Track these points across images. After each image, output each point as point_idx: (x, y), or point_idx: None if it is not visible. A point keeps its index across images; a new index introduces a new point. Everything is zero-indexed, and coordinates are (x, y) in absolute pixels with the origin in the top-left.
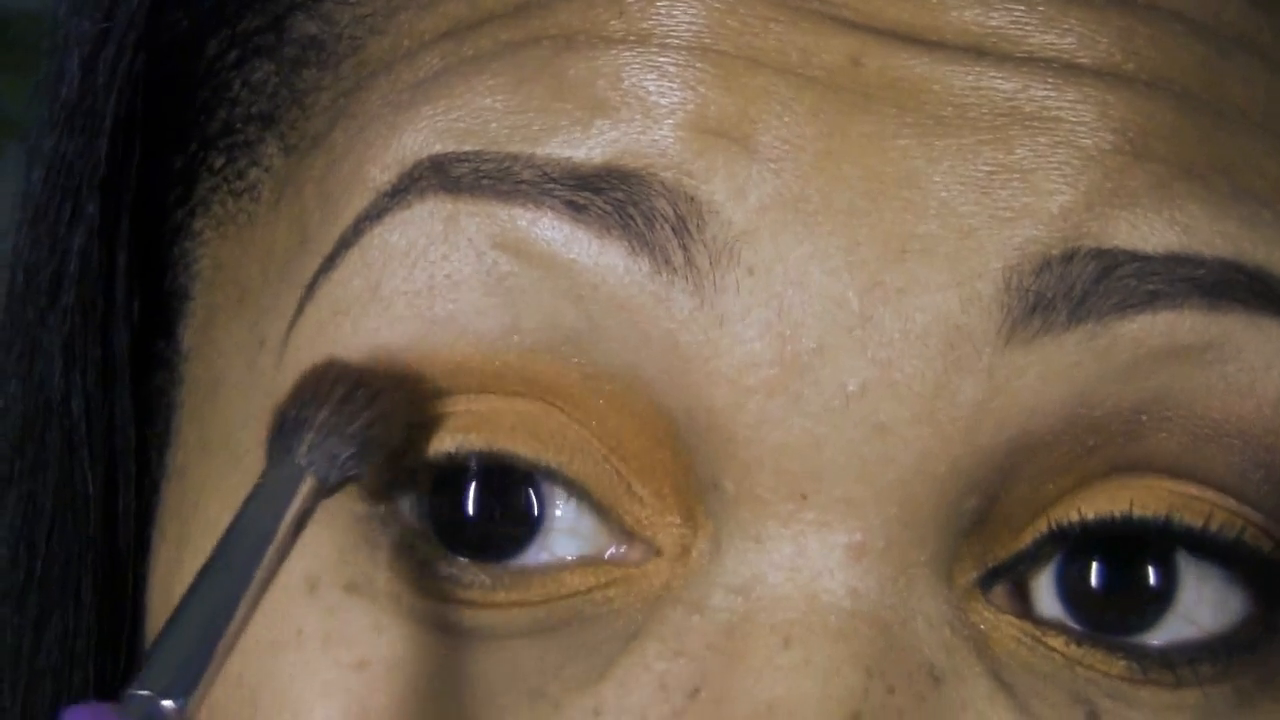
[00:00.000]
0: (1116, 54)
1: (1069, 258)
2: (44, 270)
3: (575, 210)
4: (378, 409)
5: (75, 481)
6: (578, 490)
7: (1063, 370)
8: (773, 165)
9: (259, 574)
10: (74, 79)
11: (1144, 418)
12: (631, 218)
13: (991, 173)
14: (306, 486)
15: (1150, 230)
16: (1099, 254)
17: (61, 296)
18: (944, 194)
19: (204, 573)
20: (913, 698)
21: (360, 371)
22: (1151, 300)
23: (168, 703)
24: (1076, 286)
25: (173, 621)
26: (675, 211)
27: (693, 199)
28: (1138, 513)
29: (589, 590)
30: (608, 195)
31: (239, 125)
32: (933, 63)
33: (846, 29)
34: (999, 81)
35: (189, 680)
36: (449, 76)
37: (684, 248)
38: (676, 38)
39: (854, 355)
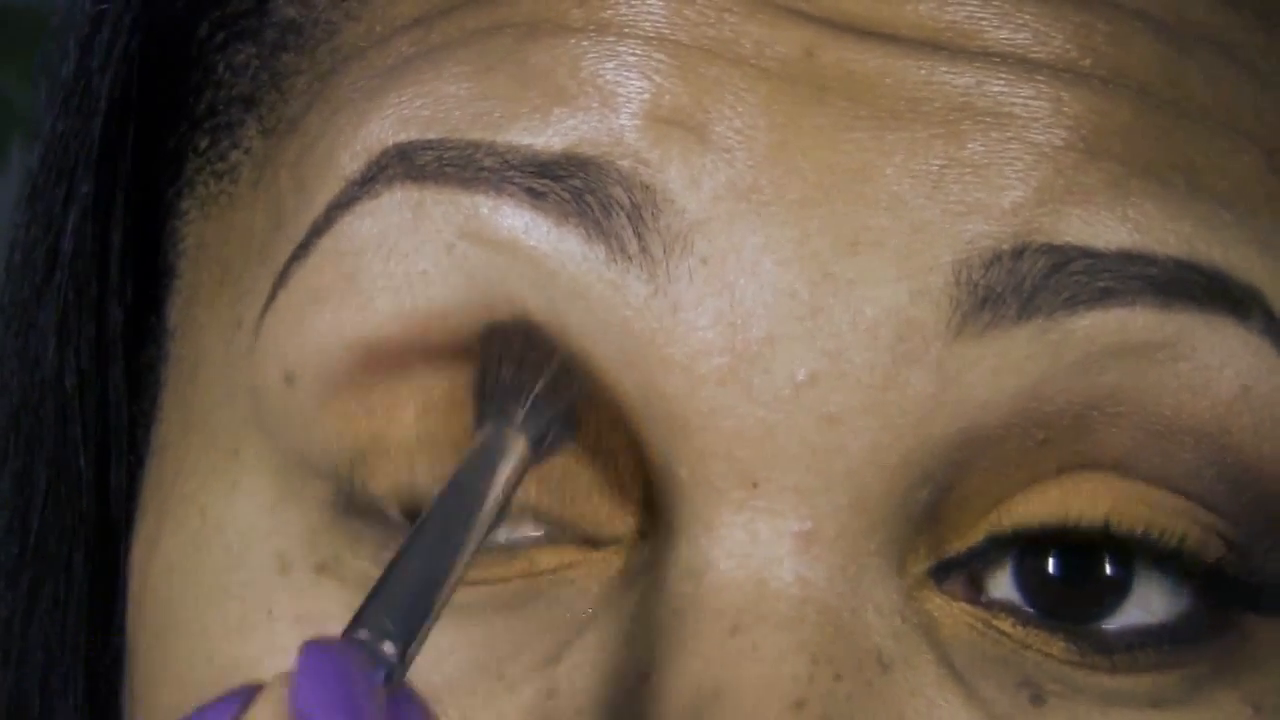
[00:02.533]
0: (1072, 50)
1: (1019, 253)
2: (39, 248)
3: (534, 197)
4: (571, 380)
5: (69, 457)
6: (539, 489)
7: (1014, 364)
8: (726, 155)
9: (474, 534)
10: (71, 60)
11: (1095, 413)
12: (589, 205)
13: (944, 167)
14: (521, 449)
15: (1103, 227)
16: (1050, 249)
17: (56, 274)
18: (895, 188)
19: (420, 529)
20: (860, 684)
21: (546, 341)
22: (1103, 297)
23: (389, 647)
24: (1026, 281)
25: (392, 573)
26: (631, 200)
27: (648, 187)
28: (1082, 522)
29: (553, 570)
30: (566, 183)
31: (222, 107)
32: (886, 56)
33: (801, 21)
34: (952, 76)
35: (409, 629)
36: (417, 63)
37: (639, 235)
38: (635, 28)
39: (804, 345)
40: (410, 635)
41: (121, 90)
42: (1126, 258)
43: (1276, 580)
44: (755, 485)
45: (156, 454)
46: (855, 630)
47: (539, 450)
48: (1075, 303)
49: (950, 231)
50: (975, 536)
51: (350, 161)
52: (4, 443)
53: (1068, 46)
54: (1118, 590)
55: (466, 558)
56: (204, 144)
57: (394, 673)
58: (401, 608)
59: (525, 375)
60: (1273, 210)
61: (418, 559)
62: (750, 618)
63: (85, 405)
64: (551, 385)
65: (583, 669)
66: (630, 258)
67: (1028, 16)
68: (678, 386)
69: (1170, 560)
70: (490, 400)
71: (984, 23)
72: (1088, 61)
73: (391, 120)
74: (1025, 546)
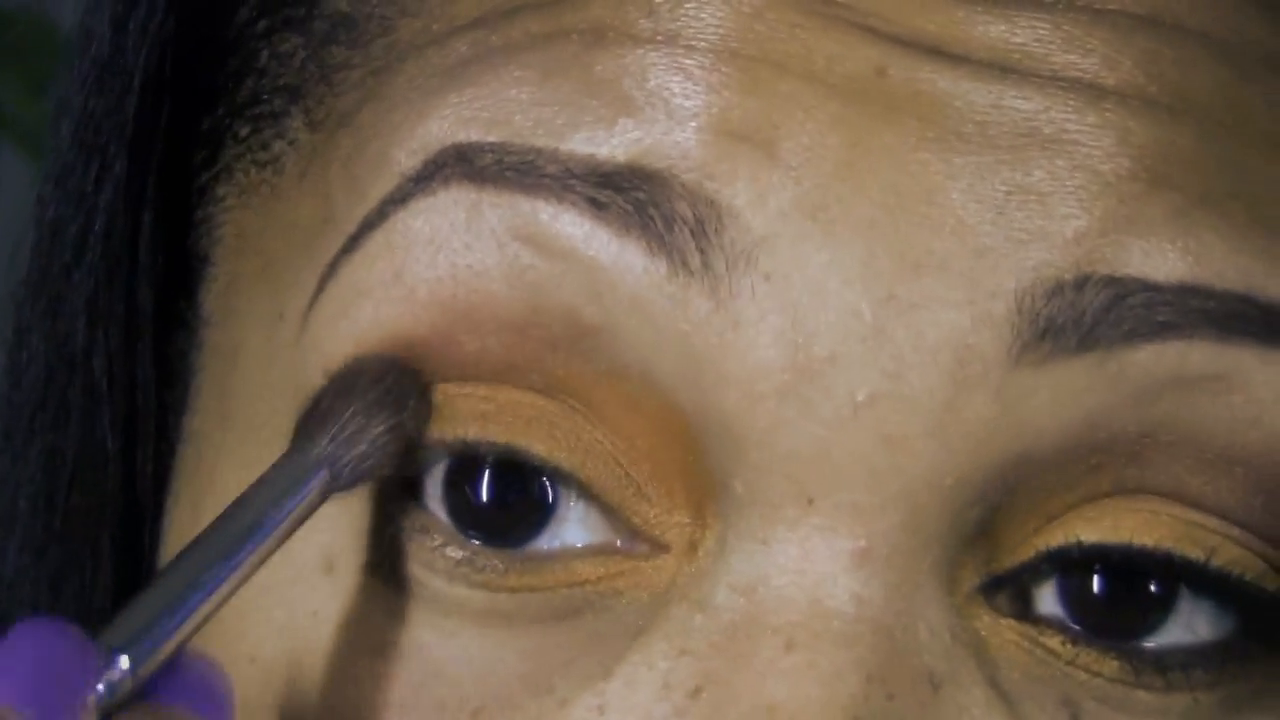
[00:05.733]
0: (1140, 76)
1: (1081, 284)
2: (70, 227)
3: (597, 208)
4: (405, 415)
5: (96, 438)
6: (586, 492)
7: (1071, 394)
8: (794, 172)
9: (251, 558)
10: (104, 37)
11: (1149, 440)
12: (651, 219)
13: (1009, 193)
14: (319, 481)
15: (1163, 259)
16: (1111, 281)
17: (87, 253)
18: (961, 212)
19: (197, 542)
20: (913, 704)
21: (396, 372)
22: (1162, 330)
23: (123, 659)
24: (1087, 314)
25: (153, 583)
26: (695, 214)
27: (712, 203)
28: (1137, 542)
29: (598, 580)
30: (629, 195)
31: (265, 96)
32: (956, 78)
33: (873, 38)
34: (1020, 101)
35: (148, 643)
36: (477, 65)
37: (701, 251)
38: (703, 40)
39: (865, 366)
40: (144, 654)
41: (156, 69)
42: (1186, 291)
43: None
44: (811, 502)
45: (190, 442)
46: (908, 649)
47: (339, 485)
48: (1134, 335)
49: (1013, 258)
50: (1026, 553)
51: (407, 159)
52: (32, 421)
53: (1135, 72)
54: (1161, 609)
55: (235, 581)
56: (245, 131)
57: (117, 686)
58: (144, 624)
59: (344, 406)
60: None
61: (178, 574)
62: (806, 634)
63: (114, 386)
64: (365, 418)
65: (634, 684)
66: (692, 273)
67: (1096, 42)
68: (736, 402)
69: (1219, 583)
70: (304, 424)
71: (1053, 46)
72: (1154, 88)
73: (451, 120)
74: (1071, 564)
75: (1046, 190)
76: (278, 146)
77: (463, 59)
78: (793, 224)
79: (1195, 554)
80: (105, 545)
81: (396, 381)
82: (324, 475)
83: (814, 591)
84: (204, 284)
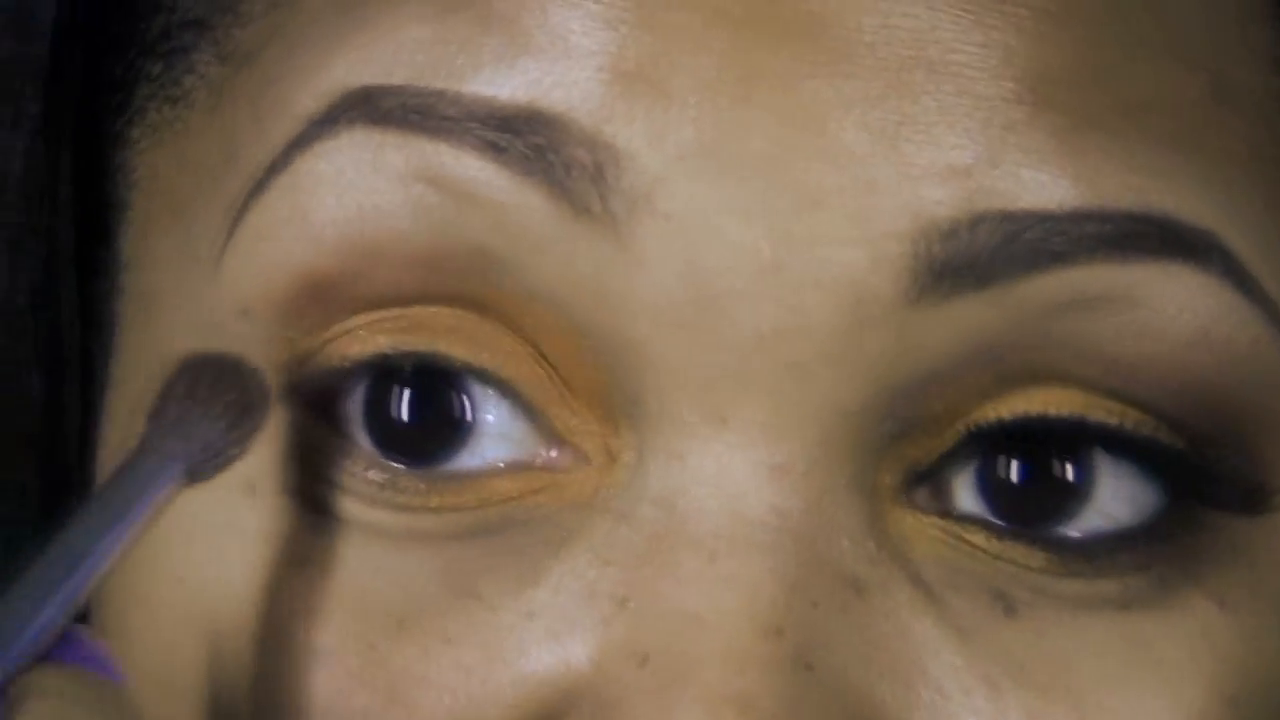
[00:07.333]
0: None
1: (975, 224)
2: None
3: (496, 150)
4: (249, 401)
5: (19, 375)
6: (510, 392)
7: (971, 327)
8: (689, 111)
9: (106, 560)
10: None
11: (1055, 353)
12: (550, 164)
13: (899, 123)
14: (168, 475)
15: (1055, 187)
16: (1005, 217)
17: (6, 194)
18: (853, 144)
19: (56, 542)
20: (836, 609)
21: (238, 365)
22: (1058, 259)
23: None
24: (983, 254)
25: (18, 583)
26: (593, 159)
27: (609, 146)
28: (1052, 411)
29: (520, 496)
30: (527, 139)
31: (175, 31)
32: None
33: None
34: (908, 20)
35: (14, 645)
36: (377, 3)
37: (601, 196)
38: None
39: (765, 300)
40: (14, 651)
41: (69, 13)
42: (1080, 217)
43: (1237, 476)
44: (724, 421)
45: (116, 387)
46: (830, 557)
47: (195, 473)
48: (1031, 267)
49: (906, 195)
50: (946, 442)
51: (311, 102)
52: None
53: None
54: (1079, 496)
55: (94, 582)
56: (156, 70)
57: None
58: (18, 620)
59: (194, 402)
60: (1220, 141)
61: (42, 573)
62: (727, 545)
63: (37, 325)
64: (208, 409)
65: (561, 592)
66: (594, 216)
67: None
68: (644, 332)
69: (1139, 454)
70: (153, 421)
71: None
72: None
73: (353, 62)
74: (987, 453)
75: (934, 120)
76: (188, 81)
77: None
78: (689, 164)
79: (1107, 418)
80: (32, 483)
81: (238, 367)
82: (175, 471)
83: (733, 504)
84: (121, 228)
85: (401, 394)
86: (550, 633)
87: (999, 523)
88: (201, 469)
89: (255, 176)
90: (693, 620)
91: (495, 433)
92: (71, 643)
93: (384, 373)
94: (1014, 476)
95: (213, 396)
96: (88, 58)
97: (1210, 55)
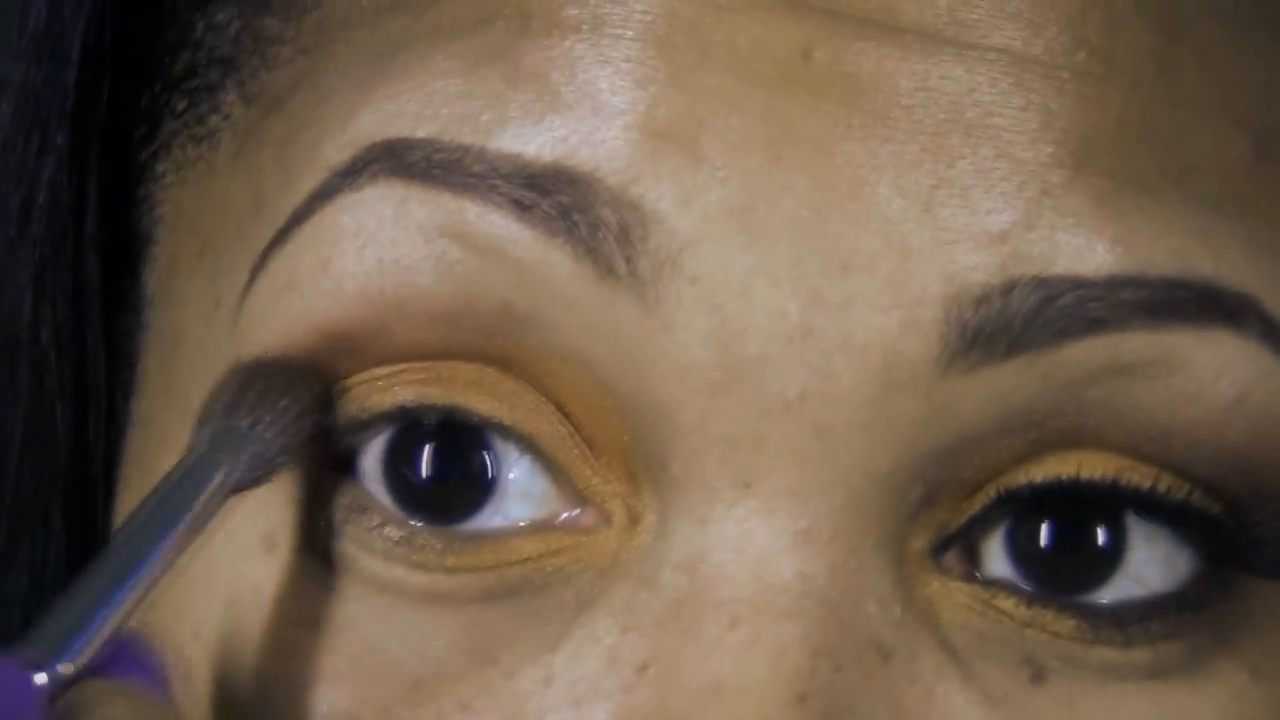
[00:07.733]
0: (1066, 41)
1: (1009, 289)
2: (12, 200)
3: (522, 209)
4: (300, 411)
5: (45, 411)
6: (532, 448)
7: (1001, 394)
8: (719, 171)
9: (159, 563)
10: (41, 10)
11: (1090, 419)
12: (576, 224)
13: (934, 187)
14: (216, 483)
15: (1091, 252)
16: (1039, 283)
17: (31, 226)
18: (886, 208)
19: (108, 551)
20: (861, 675)
21: (290, 372)
22: (1093, 326)
23: (40, 677)
24: (1016, 320)
25: (71, 590)
26: (619, 220)
27: (637, 207)
28: (1085, 475)
29: (540, 557)
30: (553, 198)
31: (201, 68)
32: (881, 58)
33: (801, 16)
34: (946, 83)
35: (67, 651)
36: (405, 54)
37: (627, 257)
38: (629, 28)
39: (794, 365)
40: (66, 656)
41: (95, 41)
42: (1116, 283)
43: (1272, 541)
44: (749, 486)
45: (139, 425)
46: (855, 622)
47: (241, 482)
48: (1064, 335)
49: (939, 260)
50: (973, 506)
51: (336, 153)
52: None
53: (1061, 38)
54: (1110, 562)
55: (144, 587)
56: (182, 106)
57: (56, 689)
58: (63, 630)
59: (244, 409)
60: (1261, 202)
61: (98, 578)
62: (750, 610)
63: (62, 359)
64: (259, 420)
65: (580, 658)
66: (619, 277)
67: (1022, 4)
68: (670, 394)
69: (1173, 518)
70: (202, 426)
71: (980, 11)
72: (1081, 55)
73: (380, 114)
74: (1018, 516)
75: (970, 183)
76: (213, 121)
77: (391, 46)
78: (718, 226)
79: (1141, 481)
80: (57, 517)
81: (292, 379)
82: (220, 478)
83: (756, 569)
84: (147, 263)
85: (422, 449)
86: (570, 700)
87: (1028, 588)
88: (250, 478)
89: (278, 225)
90: (715, 687)
91: (517, 491)
92: (124, 654)
93: (405, 428)
94: (1045, 540)
95: (261, 404)
96: (115, 88)
97: (1255, 113)
